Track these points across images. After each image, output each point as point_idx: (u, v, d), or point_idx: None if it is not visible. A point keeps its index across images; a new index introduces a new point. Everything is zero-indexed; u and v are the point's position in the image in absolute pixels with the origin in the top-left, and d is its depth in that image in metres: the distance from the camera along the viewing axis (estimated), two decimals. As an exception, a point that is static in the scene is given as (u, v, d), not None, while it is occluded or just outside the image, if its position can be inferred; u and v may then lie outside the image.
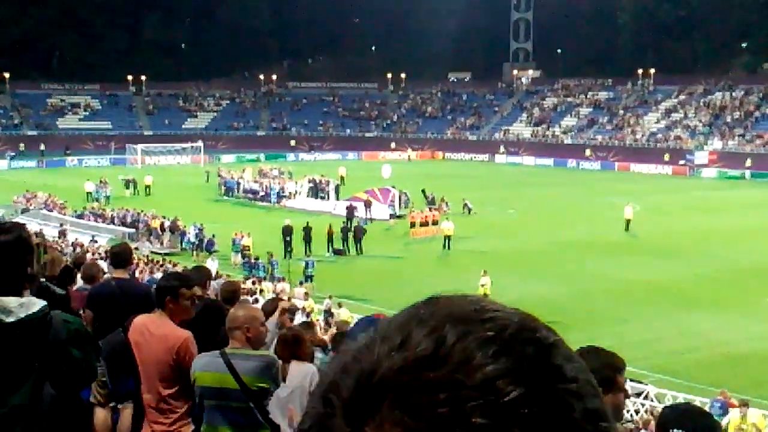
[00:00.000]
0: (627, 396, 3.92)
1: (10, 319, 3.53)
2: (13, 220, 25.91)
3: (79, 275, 10.64)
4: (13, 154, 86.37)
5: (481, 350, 0.79)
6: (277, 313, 8.31)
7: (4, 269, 3.63)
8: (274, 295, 28.63)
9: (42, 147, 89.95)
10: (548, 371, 0.80)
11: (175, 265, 33.44)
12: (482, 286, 29.96)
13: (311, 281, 34.24)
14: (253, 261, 37.18)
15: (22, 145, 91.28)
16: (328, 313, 27.26)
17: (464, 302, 0.86)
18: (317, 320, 24.22)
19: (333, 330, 20.11)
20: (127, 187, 62.38)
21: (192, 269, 11.41)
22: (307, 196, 57.38)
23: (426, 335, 0.81)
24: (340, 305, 28.15)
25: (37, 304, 3.64)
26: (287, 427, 6.96)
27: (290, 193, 57.62)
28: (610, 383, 3.60)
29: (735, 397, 18.91)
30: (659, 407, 18.73)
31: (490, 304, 0.86)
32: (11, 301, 3.56)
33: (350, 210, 47.17)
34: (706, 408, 18.25)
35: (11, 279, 3.64)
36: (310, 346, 8.19)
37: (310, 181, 58.92)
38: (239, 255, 38.62)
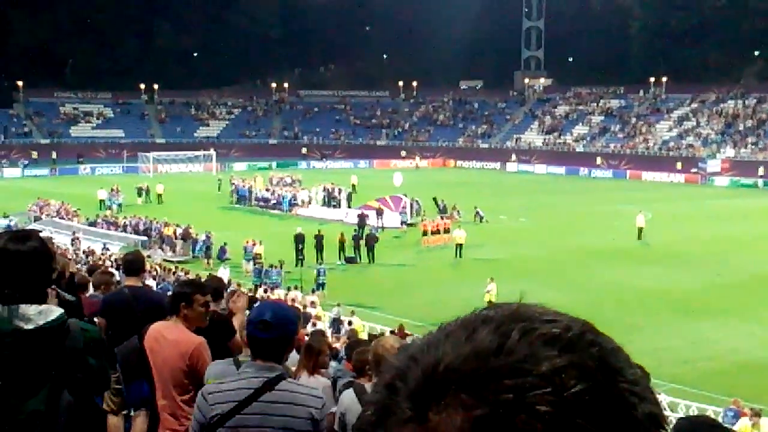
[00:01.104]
0: None
1: (29, 327, 3.57)
2: (27, 228, 26.01)
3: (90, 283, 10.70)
4: (26, 162, 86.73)
5: (546, 345, 0.81)
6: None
7: (26, 277, 3.66)
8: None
9: (54, 155, 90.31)
10: (611, 371, 0.82)
11: (187, 272, 33.49)
12: (488, 292, 29.88)
13: (323, 289, 34.24)
14: (263, 268, 37.19)
15: (35, 153, 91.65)
16: (337, 322, 27.23)
17: (528, 306, 0.88)
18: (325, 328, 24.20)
19: (344, 338, 20.14)
20: (140, 195, 62.48)
21: (206, 279, 11.43)
22: (321, 204, 57.42)
23: (491, 331, 0.83)
24: (353, 313, 28.15)
25: (55, 311, 3.68)
26: None
27: (303, 201, 57.68)
28: None
29: (748, 407, 18.84)
30: (672, 416, 18.70)
31: (552, 309, 0.88)
32: (30, 309, 3.60)
33: (362, 218, 47.18)
34: (719, 417, 18.20)
35: (32, 287, 3.68)
36: (324, 357, 8.21)
37: (324, 190, 59.01)
38: (251, 263, 38.62)
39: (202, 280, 10.60)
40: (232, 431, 4.47)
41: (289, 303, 28.71)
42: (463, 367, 0.80)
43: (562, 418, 0.77)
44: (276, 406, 4.45)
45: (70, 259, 19.59)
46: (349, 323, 26.68)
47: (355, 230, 44.01)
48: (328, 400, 5.21)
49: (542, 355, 0.80)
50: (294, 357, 7.91)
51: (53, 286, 4.03)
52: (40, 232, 4.44)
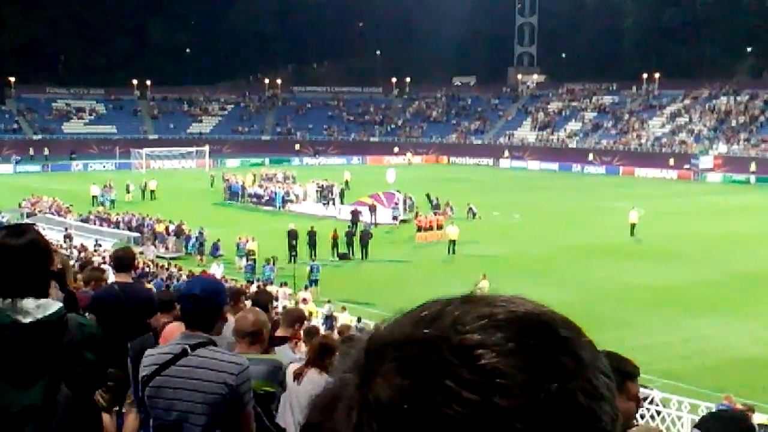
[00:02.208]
0: (639, 405, 3.87)
1: (27, 320, 3.57)
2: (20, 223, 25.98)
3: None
4: (19, 158, 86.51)
5: (474, 322, 0.82)
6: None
7: (24, 271, 3.65)
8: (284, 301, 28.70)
9: (46, 151, 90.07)
10: (537, 354, 0.81)
11: (180, 269, 33.48)
12: (480, 289, 29.67)
13: (316, 285, 34.22)
14: (255, 264, 37.19)
15: (31, 150, 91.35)
16: (330, 319, 27.22)
17: (498, 294, 0.89)
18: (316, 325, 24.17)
19: (335, 335, 20.12)
20: (128, 191, 61.87)
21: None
22: (316, 200, 57.35)
23: (438, 307, 0.87)
24: (343, 308, 28.15)
25: (54, 305, 3.68)
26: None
27: (297, 196, 57.65)
28: (618, 389, 3.55)
29: (740, 402, 18.86)
30: (664, 412, 18.72)
31: (523, 299, 0.88)
32: (29, 303, 3.60)
33: (355, 214, 47.17)
34: (712, 413, 18.21)
35: (31, 280, 3.67)
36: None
37: (318, 186, 58.95)
38: (244, 259, 38.60)
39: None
40: (155, 391, 4.82)
41: (281, 298, 28.76)
42: (391, 337, 0.84)
43: (466, 392, 0.78)
44: (190, 371, 4.74)
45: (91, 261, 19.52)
46: (334, 319, 26.70)
47: (348, 226, 43.99)
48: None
49: (462, 329, 0.81)
50: (282, 349, 7.88)
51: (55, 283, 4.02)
52: (35, 225, 4.43)
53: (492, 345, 0.79)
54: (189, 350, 4.79)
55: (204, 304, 4.90)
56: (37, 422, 3.60)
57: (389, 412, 0.79)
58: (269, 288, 31.46)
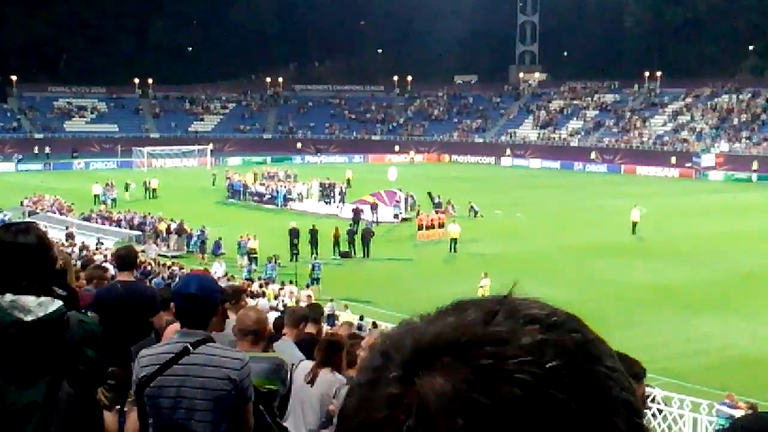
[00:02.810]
0: (645, 407, 3.87)
1: (29, 318, 3.57)
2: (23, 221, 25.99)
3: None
4: (20, 156, 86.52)
5: (529, 323, 0.86)
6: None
7: (27, 269, 3.66)
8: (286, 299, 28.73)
9: (47, 150, 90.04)
10: (590, 355, 0.86)
11: (182, 267, 33.49)
12: (481, 287, 29.87)
13: (318, 284, 34.23)
14: (251, 265, 37.26)
15: (36, 148, 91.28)
16: (332, 317, 27.20)
17: (522, 297, 0.92)
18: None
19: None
20: (127, 189, 61.71)
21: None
22: (318, 198, 57.22)
23: (479, 309, 0.88)
24: (346, 307, 28.17)
25: (55, 304, 3.69)
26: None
27: (300, 195, 57.64)
28: None
29: (742, 401, 18.86)
30: (666, 410, 18.71)
31: (546, 303, 0.92)
32: (30, 301, 3.61)
33: (357, 213, 47.19)
34: (713, 412, 18.23)
35: (34, 279, 3.68)
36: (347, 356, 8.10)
37: (320, 185, 58.91)
38: (245, 257, 38.64)
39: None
40: (157, 391, 4.83)
41: (287, 297, 28.78)
42: (449, 336, 0.85)
43: (540, 388, 0.81)
44: (194, 368, 4.76)
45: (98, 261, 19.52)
46: (336, 317, 26.69)
47: (350, 225, 43.96)
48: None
49: (524, 330, 0.85)
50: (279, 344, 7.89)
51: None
52: (36, 223, 4.43)
53: (552, 345, 0.84)
54: (191, 348, 4.82)
55: (202, 303, 4.93)
56: (38, 420, 3.61)
57: (459, 407, 0.81)
58: (271, 286, 31.54)
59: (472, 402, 0.80)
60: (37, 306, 3.61)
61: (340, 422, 0.89)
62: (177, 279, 29.08)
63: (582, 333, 0.88)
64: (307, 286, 33.07)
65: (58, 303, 3.70)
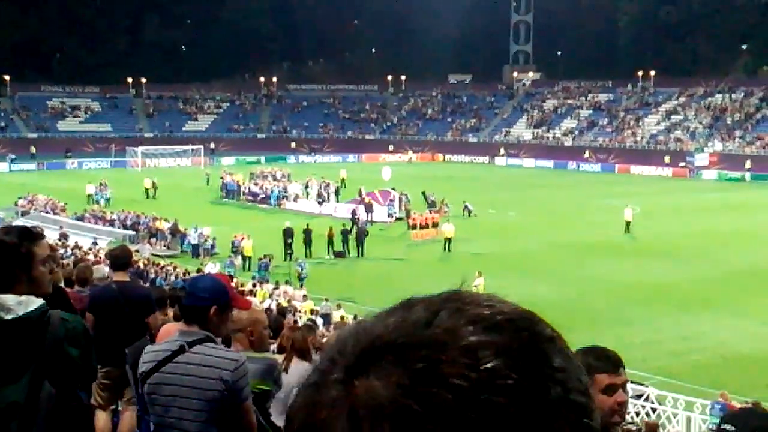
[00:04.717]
0: (619, 402, 3.87)
1: (9, 317, 3.56)
2: (14, 223, 25.94)
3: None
4: (14, 156, 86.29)
5: (471, 324, 0.84)
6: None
7: (2, 269, 3.67)
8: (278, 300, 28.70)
9: (33, 149, 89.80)
10: (534, 356, 0.83)
11: (176, 267, 33.46)
12: (475, 286, 29.83)
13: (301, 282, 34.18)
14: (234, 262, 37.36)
15: (33, 148, 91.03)
16: (327, 316, 27.16)
17: (472, 293, 0.91)
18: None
19: (332, 332, 20.12)
20: (154, 187, 62.26)
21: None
22: (316, 198, 56.97)
23: (424, 308, 0.87)
24: (339, 306, 28.16)
25: (36, 302, 3.67)
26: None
27: (296, 195, 57.54)
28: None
29: (735, 399, 18.90)
30: (660, 409, 18.76)
31: (499, 298, 0.91)
32: (10, 299, 3.59)
33: (354, 212, 47.24)
34: (707, 410, 18.27)
35: (9, 279, 3.68)
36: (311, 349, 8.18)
37: (316, 185, 58.72)
38: (239, 257, 38.65)
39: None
40: (154, 387, 4.89)
41: (282, 297, 28.76)
42: (388, 338, 0.84)
43: (474, 392, 0.79)
44: (188, 367, 4.80)
45: (85, 260, 19.39)
46: (330, 316, 26.67)
47: (343, 224, 43.88)
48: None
49: (465, 330, 0.83)
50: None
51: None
52: (33, 228, 4.43)
53: (492, 346, 0.81)
54: (186, 347, 4.85)
55: (200, 299, 4.97)
56: (20, 420, 3.60)
57: (389, 412, 0.79)
58: (265, 286, 31.52)
59: (402, 408, 0.79)
60: (17, 304, 3.60)
61: (287, 421, 0.88)
62: (173, 278, 29.10)
63: (531, 331, 0.85)
64: (302, 286, 33.06)
65: (39, 301, 3.69)
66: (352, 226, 43.99)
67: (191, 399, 4.79)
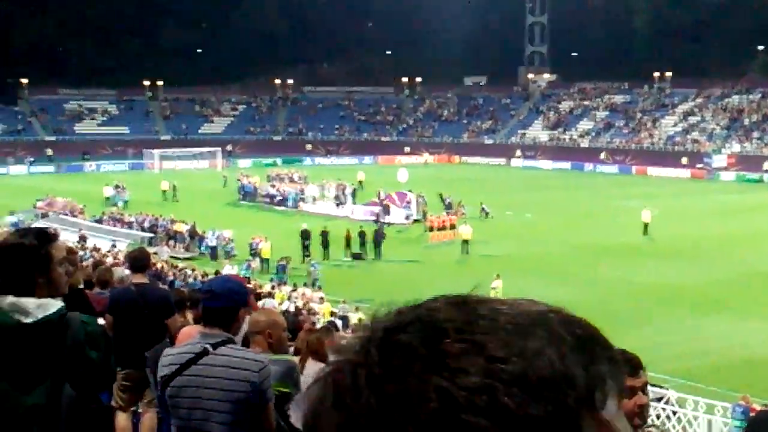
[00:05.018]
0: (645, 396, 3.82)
1: (28, 320, 3.55)
2: (33, 225, 26.04)
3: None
4: (32, 159, 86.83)
5: (500, 325, 0.84)
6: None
7: (22, 271, 3.66)
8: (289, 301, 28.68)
9: (49, 152, 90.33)
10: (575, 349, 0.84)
11: (194, 270, 33.51)
12: (493, 289, 29.78)
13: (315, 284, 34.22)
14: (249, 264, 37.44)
15: (49, 150, 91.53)
16: (345, 319, 27.12)
17: (494, 298, 0.92)
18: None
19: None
20: (170, 190, 62.26)
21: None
22: (335, 200, 56.94)
23: (446, 307, 0.89)
24: (357, 309, 28.14)
25: (55, 305, 3.66)
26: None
27: (313, 197, 57.55)
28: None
29: (757, 402, 18.76)
30: (680, 412, 18.63)
31: (533, 301, 0.91)
32: (29, 303, 3.59)
33: (378, 216, 47.46)
34: (728, 413, 18.14)
35: (28, 281, 3.67)
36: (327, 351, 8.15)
37: (334, 187, 58.75)
38: (257, 259, 38.72)
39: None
40: (177, 391, 4.85)
41: (300, 299, 28.74)
42: (417, 340, 0.83)
43: (512, 401, 0.78)
44: (213, 369, 4.78)
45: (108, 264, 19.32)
46: (347, 319, 26.63)
47: (360, 227, 43.64)
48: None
49: (491, 336, 0.82)
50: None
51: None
52: (48, 229, 4.42)
53: (518, 350, 0.80)
54: (210, 349, 4.84)
55: (221, 301, 4.97)
56: (42, 422, 3.59)
57: (419, 413, 0.78)
58: (283, 288, 31.51)
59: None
60: (37, 308, 3.59)
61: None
62: (191, 280, 29.15)
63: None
64: (319, 288, 33.03)
65: (59, 304, 3.68)
66: (380, 227, 44.02)
67: (217, 401, 4.77)
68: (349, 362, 0.84)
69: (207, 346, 4.85)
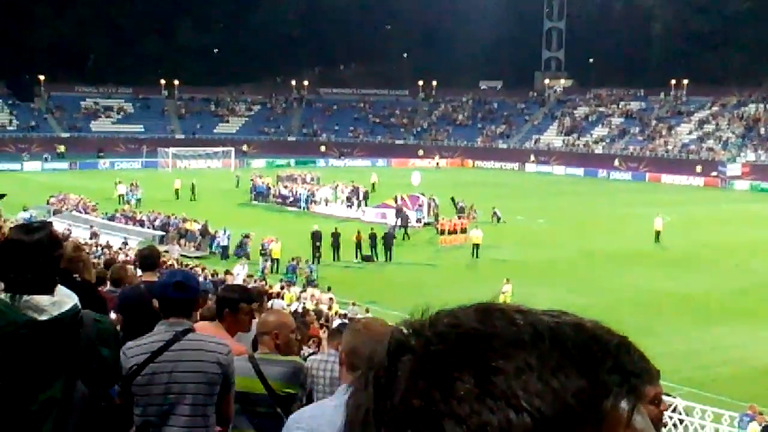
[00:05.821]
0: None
1: (44, 318, 3.58)
2: (47, 221, 26.12)
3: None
4: (48, 156, 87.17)
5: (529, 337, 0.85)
6: None
7: (37, 267, 3.69)
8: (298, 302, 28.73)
9: (62, 149, 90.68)
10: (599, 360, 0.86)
11: (204, 269, 33.60)
12: (503, 293, 29.79)
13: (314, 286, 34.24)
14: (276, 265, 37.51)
15: (61, 147, 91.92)
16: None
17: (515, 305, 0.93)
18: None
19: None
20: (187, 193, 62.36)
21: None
22: (347, 202, 56.94)
23: (475, 317, 0.90)
24: (367, 311, 28.16)
25: (69, 303, 3.69)
26: None
27: (326, 199, 57.59)
28: None
29: (765, 412, 18.72)
30: (687, 420, 18.61)
31: (563, 312, 0.91)
32: (44, 300, 3.62)
33: (400, 214, 47.48)
34: (735, 422, 18.11)
35: (44, 277, 3.70)
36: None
37: (348, 189, 58.78)
38: (268, 259, 38.77)
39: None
40: (149, 378, 4.97)
41: (309, 300, 28.79)
42: (451, 349, 0.85)
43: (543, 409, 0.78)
44: (186, 353, 5.02)
45: (120, 261, 19.38)
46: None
47: (371, 228, 43.64)
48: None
49: (520, 349, 0.83)
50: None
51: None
52: (51, 224, 4.46)
53: (546, 363, 0.80)
54: (180, 336, 5.06)
55: (188, 292, 5.23)
56: (55, 419, 3.63)
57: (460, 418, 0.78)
58: (293, 289, 31.59)
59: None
60: (51, 305, 3.62)
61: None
62: (202, 280, 29.22)
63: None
64: (329, 289, 33.06)
65: (72, 302, 3.71)
66: (404, 229, 44.01)
67: (190, 383, 4.99)
68: (385, 370, 0.84)
69: (176, 332, 5.07)
